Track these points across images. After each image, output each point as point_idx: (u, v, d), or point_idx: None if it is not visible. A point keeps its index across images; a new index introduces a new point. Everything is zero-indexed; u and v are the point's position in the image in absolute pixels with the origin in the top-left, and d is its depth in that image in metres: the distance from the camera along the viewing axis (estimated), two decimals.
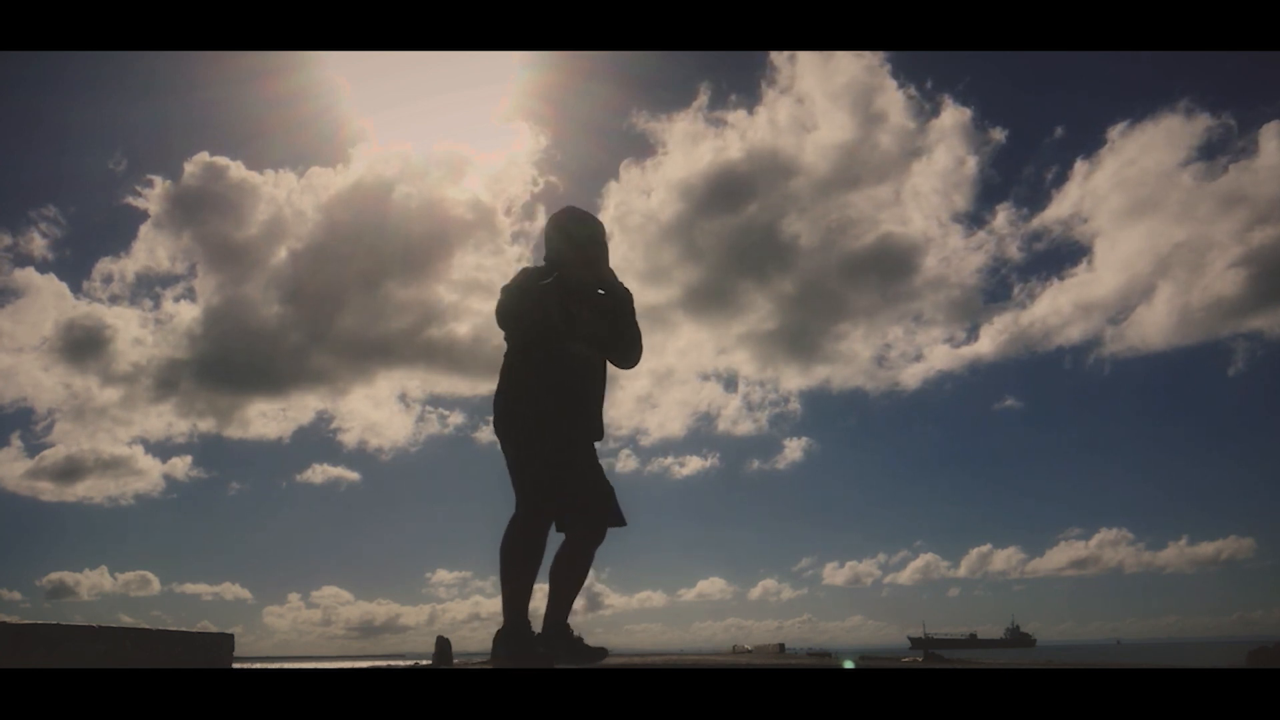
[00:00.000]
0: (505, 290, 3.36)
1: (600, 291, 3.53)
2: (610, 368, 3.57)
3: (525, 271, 3.39)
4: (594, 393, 3.46)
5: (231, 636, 9.03)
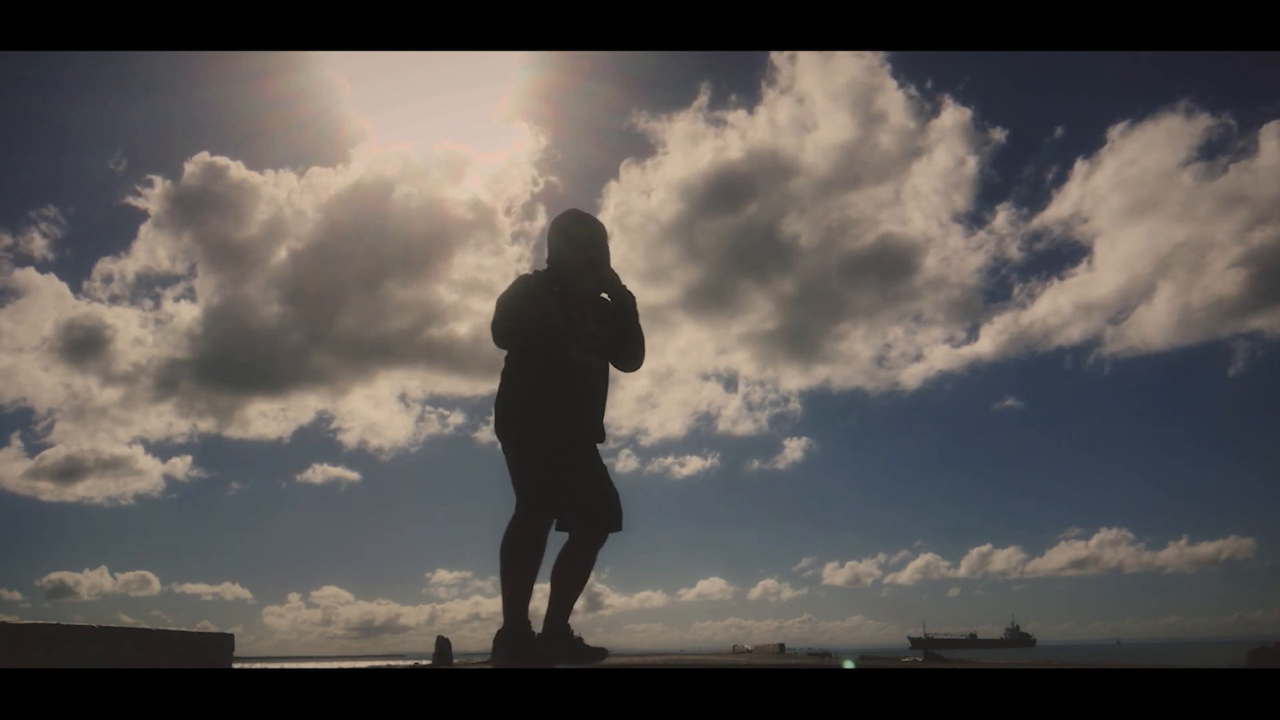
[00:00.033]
0: (500, 302, 3.35)
1: (603, 295, 3.53)
2: (613, 370, 3.57)
3: (523, 278, 3.39)
4: (595, 395, 3.45)
5: (231, 636, 9.03)
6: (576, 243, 3.47)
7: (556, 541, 3.38)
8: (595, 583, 3.44)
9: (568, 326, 3.36)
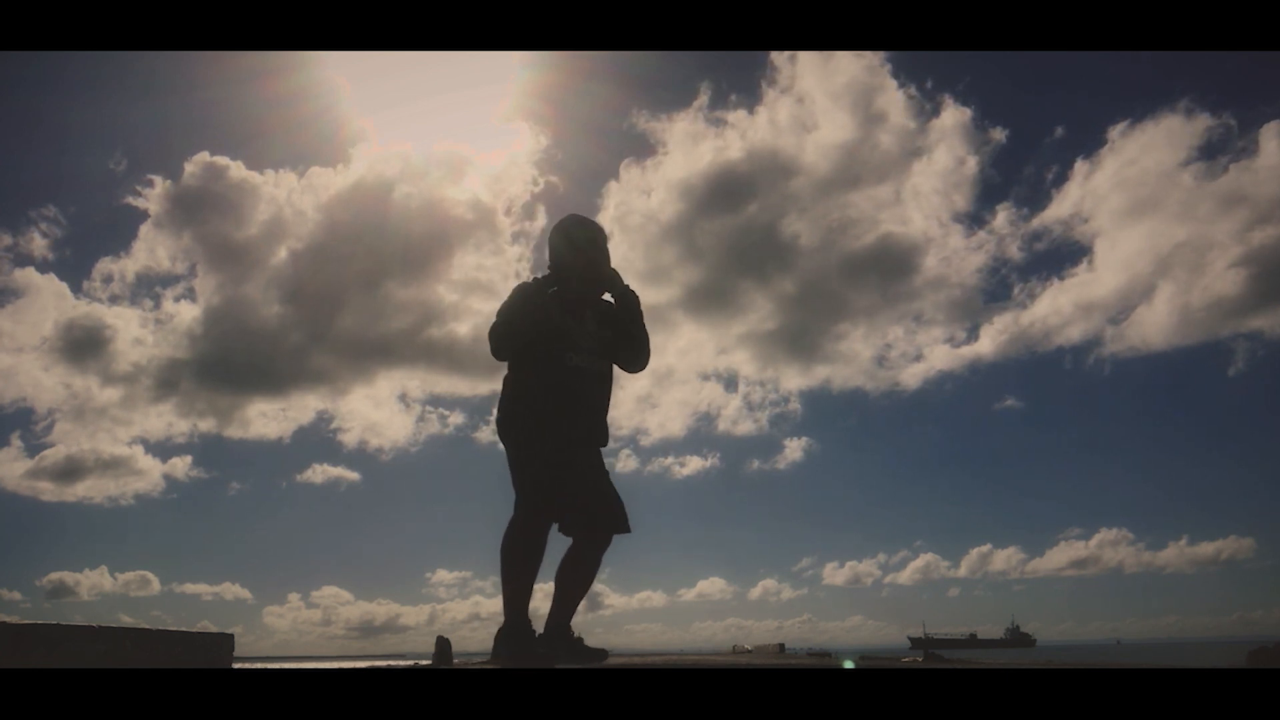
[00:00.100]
0: (500, 313, 3.36)
1: (606, 298, 3.53)
2: (616, 372, 3.56)
3: (521, 286, 3.39)
4: (596, 398, 3.45)
5: (231, 636, 9.01)
6: (577, 245, 3.47)
7: (562, 543, 3.38)
8: (595, 583, 3.44)
9: (567, 329, 3.36)
